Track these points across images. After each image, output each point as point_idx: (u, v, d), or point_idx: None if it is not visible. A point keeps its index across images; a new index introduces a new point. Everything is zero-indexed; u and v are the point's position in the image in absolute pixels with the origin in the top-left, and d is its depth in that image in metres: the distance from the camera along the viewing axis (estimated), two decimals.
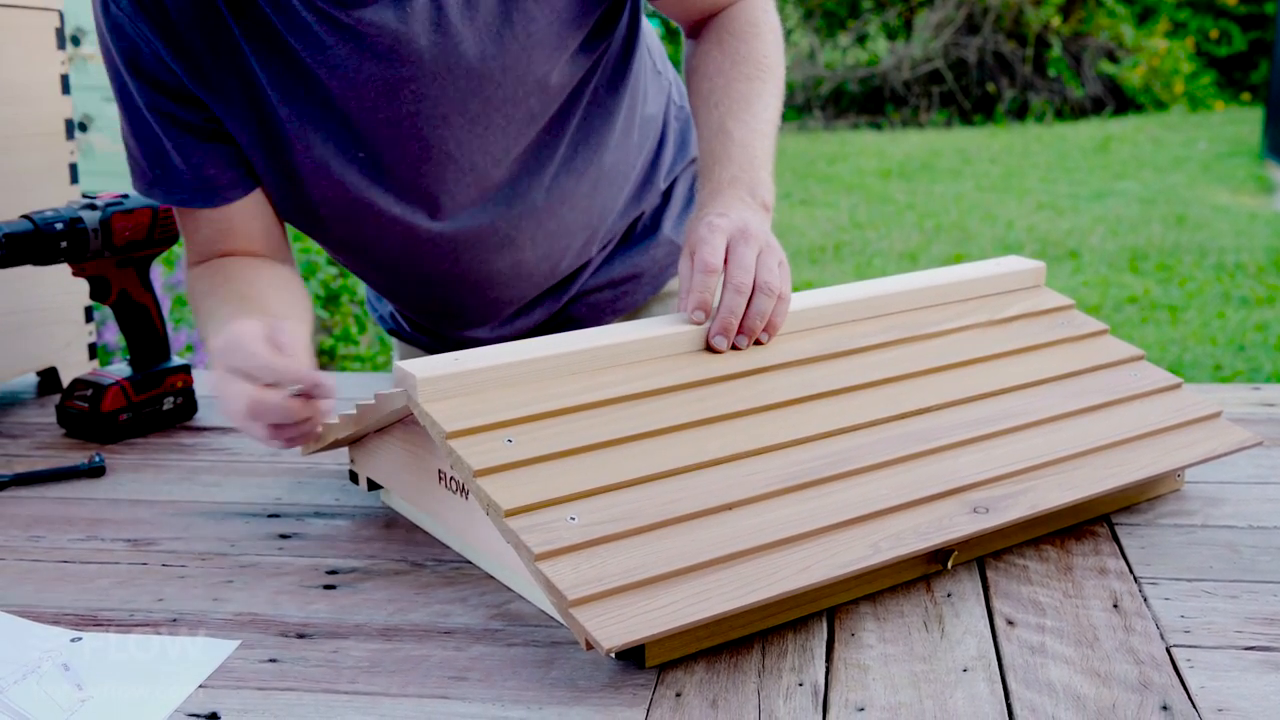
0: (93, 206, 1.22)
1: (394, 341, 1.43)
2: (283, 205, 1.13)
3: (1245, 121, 8.97)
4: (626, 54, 1.17)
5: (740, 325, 0.96)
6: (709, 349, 0.97)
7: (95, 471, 1.14)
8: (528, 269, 1.21)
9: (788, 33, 9.02)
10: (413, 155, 1.09)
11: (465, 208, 1.13)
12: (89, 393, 1.23)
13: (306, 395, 0.89)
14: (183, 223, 1.14)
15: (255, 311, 1.00)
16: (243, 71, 1.05)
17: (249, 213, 1.12)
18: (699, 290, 0.96)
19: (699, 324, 0.96)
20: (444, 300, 1.23)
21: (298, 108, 1.05)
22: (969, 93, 9.70)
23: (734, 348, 0.97)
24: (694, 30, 1.20)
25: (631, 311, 1.33)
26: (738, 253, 0.97)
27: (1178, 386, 1.07)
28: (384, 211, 1.12)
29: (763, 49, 1.14)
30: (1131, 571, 0.90)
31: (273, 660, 0.80)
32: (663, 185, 1.30)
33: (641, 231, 1.30)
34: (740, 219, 0.99)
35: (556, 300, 1.28)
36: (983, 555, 0.92)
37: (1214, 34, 10.44)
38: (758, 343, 0.98)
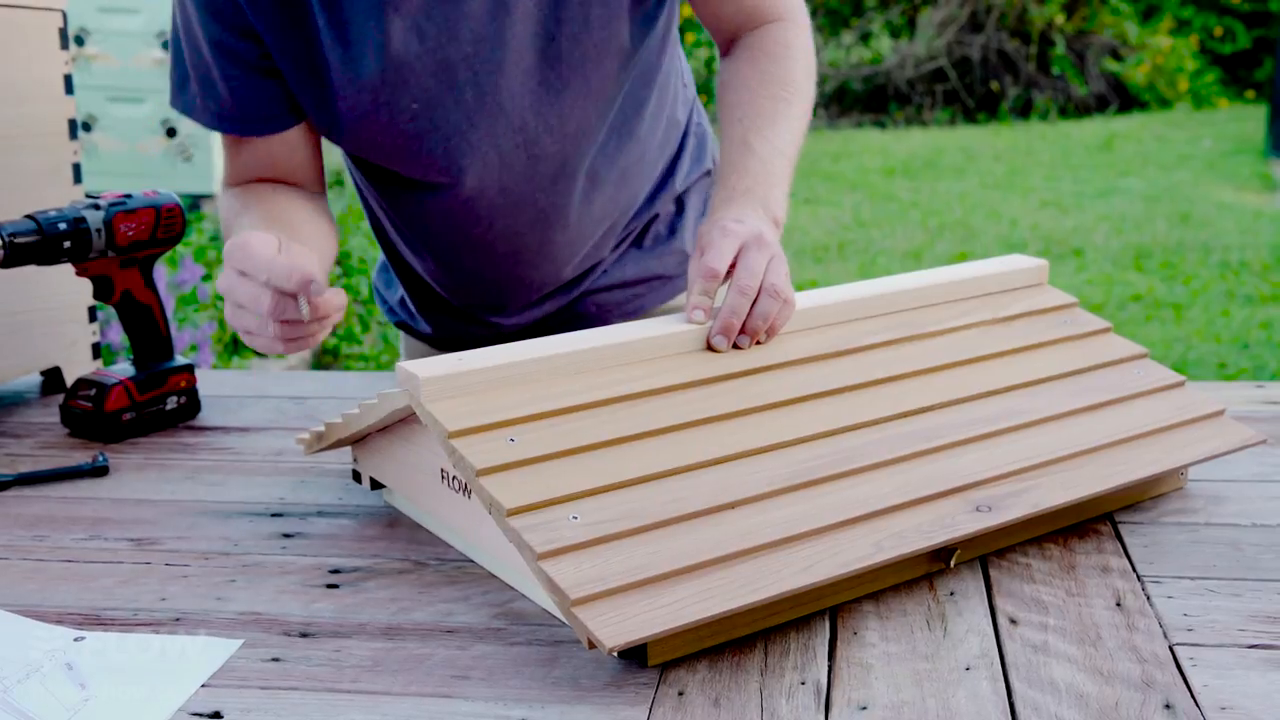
0: (96, 206, 1.22)
1: (402, 336, 1.44)
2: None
3: (1249, 119, 8.94)
4: (661, 48, 1.20)
5: (743, 326, 0.97)
6: (710, 349, 0.97)
7: (99, 471, 1.14)
8: (552, 251, 1.23)
9: None
10: (466, 105, 1.10)
11: (509, 169, 1.15)
12: (92, 392, 1.24)
13: (294, 296, 0.91)
14: (225, 145, 1.17)
15: (281, 230, 1.02)
16: (300, 11, 1.06)
17: (290, 145, 1.15)
18: (699, 293, 0.97)
19: (699, 324, 0.97)
20: (469, 270, 1.25)
21: (351, 51, 1.07)
22: (973, 91, 9.68)
23: (735, 347, 0.97)
24: (727, 48, 1.22)
25: (638, 317, 1.34)
26: (748, 258, 0.98)
27: (1181, 385, 1.07)
28: (423, 167, 1.13)
29: (793, 72, 1.16)
30: (1134, 570, 0.90)
31: (275, 659, 0.80)
32: (678, 190, 1.32)
33: (655, 237, 1.33)
34: (756, 227, 1.00)
35: (567, 294, 1.29)
36: (985, 554, 0.92)
37: (1218, 31, 10.41)
38: (757, 342, 0.98)
